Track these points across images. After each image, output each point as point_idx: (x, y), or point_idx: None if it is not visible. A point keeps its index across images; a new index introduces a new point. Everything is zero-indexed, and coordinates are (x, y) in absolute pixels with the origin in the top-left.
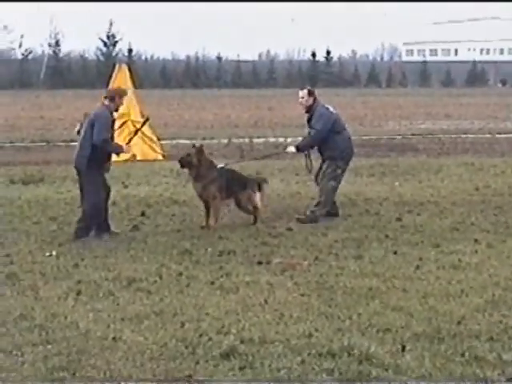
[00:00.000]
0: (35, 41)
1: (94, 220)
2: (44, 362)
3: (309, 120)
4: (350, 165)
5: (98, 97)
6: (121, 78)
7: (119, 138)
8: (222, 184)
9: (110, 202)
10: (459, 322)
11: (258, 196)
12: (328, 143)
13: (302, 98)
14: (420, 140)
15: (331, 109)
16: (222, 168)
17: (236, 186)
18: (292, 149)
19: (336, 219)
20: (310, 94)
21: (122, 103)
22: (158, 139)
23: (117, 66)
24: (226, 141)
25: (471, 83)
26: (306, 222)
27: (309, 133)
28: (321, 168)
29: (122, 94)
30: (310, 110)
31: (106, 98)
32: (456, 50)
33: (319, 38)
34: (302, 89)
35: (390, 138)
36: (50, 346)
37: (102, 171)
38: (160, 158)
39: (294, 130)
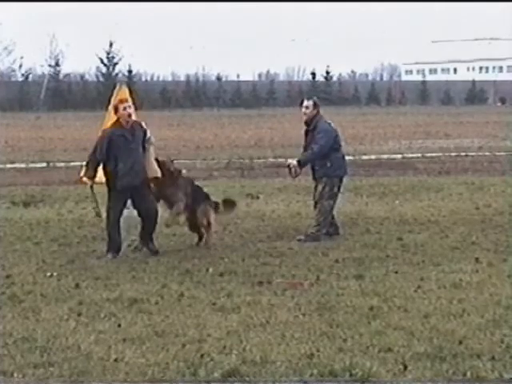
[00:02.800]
0: (35, 61)
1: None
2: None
3: (306, 132)
4: (349, 184)
5: (98, 118)
6: (121, 96)
7: None
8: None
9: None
10: (461, 342)
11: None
12: (324, 160)
13: (307, 108)
14: (420, 159)
15: (332, 124)
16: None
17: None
18: (294, 163)
19: (337, 238)
20: (315, 105)
21: (122, 114)
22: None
23: (117, 86)
24: (226, 161)
25: (470, 102)
26: (308, 242)
27: (311, 148)
28: (316, 188)
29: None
30: (311, 122)
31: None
32: (455, 69)
33: (318, 57)
34: (308, 99)
35: (390, 158)
36: (51, 368)
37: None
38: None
39: (294, 149)
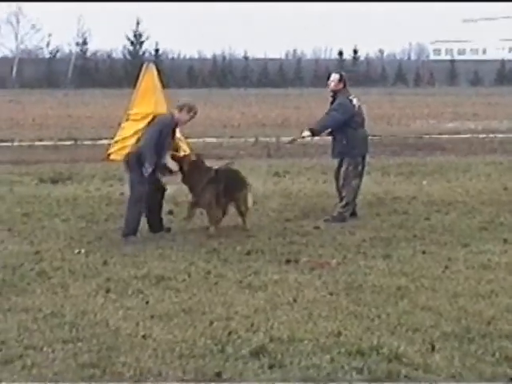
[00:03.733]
0: (63, 40)
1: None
2: (74, 358)
3: (331, 104)
4: (377, 164)
5: (125, 96)
6: (148, 78)
7: None
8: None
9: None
10: (489, 322)
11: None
12: (340, 136)
13: (332, 81)
14: (448, 139)
15: (355, 101)
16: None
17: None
18: (307, 133)
19: (364, 218)
20: (341, 79)
21: (187, 118)
22: (185, 138)
23: (144, 66)
24: (253, 140)
25: (500, 82)
26: (335, 222)
27: (326, 113)
28: (339, 168)
29: (192, 108)
30: (335, 95)
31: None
32: (484, 50)
33: (346, 37)
34: (336, 72)
35: (417, 137)
36: (80, 343)
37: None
38: None
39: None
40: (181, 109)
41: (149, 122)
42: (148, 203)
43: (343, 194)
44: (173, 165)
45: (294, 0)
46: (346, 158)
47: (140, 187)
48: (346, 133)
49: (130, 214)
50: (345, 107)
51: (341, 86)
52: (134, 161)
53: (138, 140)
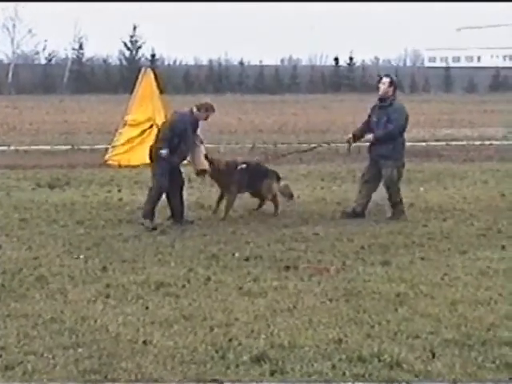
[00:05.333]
0: (59, 45)
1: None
2: (75, 364)
3: (373, 108)
4: None
5: (121, 101)
6: (146, 83)
7: (145, 142)
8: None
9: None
10: (489, 329)
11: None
12: (390, 141)
13: (383, 84)
14: (444, 146)
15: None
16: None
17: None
18: (371, 137)
19: (362, 224)
20: (392, 83)
21: (204, 116)
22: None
23: (142, 71)
24: (250, 146)
25: (494, 90)
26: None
27: (388, 126)
28: (372, 169)
29: (209, 108)
30: (385, 98)
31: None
32: (479, 57)
33: (341, 43)
34: (386, 76)
35: (413, 144)
36: (80, 349)
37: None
38: (185, 162)
39: (317, 135)
40: (198, 108)
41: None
42: (170, 193)
43: (390, 194)
44: (204, 164)
45: (291, 0)
46: (388, 161)
47: (161, 178)
48: (395, 138)
49: (149, 201)
50: (403, 114)
51: (391, 89)
52: (155, 153)
53: (158, 133)
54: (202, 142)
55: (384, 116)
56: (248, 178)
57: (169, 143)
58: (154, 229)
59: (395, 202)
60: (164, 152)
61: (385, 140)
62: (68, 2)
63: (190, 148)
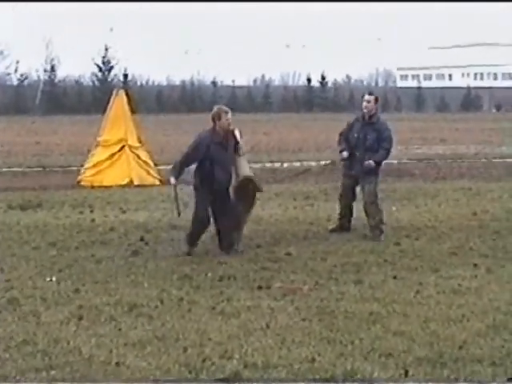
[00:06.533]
0: (31, 66)
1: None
2: None
3: (352, 126)
4: None
5: (93, 122)
6: (118, 104)
7: (117, 163)
8: None
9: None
10: (461, 347)
11: None
12: (371, 156)
13: (368, 102)
14: (416, 165)
15: None
16: None
17: None
18: (370, 163)
19: (335, 243)
20: (377, 100)
21: (223, 123)
22: (155, 164)
23: (114, 92)
24: None
25: (466, 108)
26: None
27: (383, 146)
28: (354, 186)
29: (219, 113)
30: (371, 116)
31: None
32: (450, 76)
33: (314, 62)
34: (369, 93)
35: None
36: (53, 372)
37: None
38: (157, 183)
39: (290, 155)
40: (213, 118)
41: None
42: (217, 223)
43: (373, 210)
44: (247, 172)
45: (269, 3)
46: (372, 176)
47: (200, 206)
48: (377, 152)
49: (191, 230)
50: (391, 131)
51: (376, 106)
52: (198, 182)
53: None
54: (243, 154)
55: (373, 133)
56: None
57: (177, 171)
58: (189, 254)
59: (377, 221)
60: (172, 181)
61: (383, 160)
62: (39, 19)
63: (228, 167)
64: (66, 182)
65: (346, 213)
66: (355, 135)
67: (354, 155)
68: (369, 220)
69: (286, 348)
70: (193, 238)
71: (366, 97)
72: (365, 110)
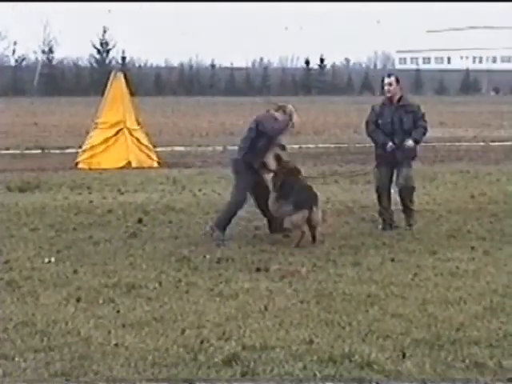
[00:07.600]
0: (29, 48)
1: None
2: (46, 367)
3: (381, 109)
4: (345, 172)
5: (91, 104)
6: (116, 86)
7: (115, 145)
8: None
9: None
10: (458, 329)
11: None
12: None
13: (390, 84)
14: None
15: None
16: None
17: None
18: (411, 143)
19: (332, 226)
20: (398, 81)
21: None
22: (154, 146)
23: (112, 74)
24: (221, 148)
25: (464, 91)
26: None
27: (420, 126)
28: (391, 175)
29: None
30: (395, 98)
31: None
32: (449, 59)
33: (312, 45)
34: (388, 75)
35: None
36: (52, 352)
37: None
38: (155, 165)
39: (287, 137)
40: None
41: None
42: (262, 206)
43: (412, 196)
44: (272, 163)
45: (263, 0)
46: (410, 159)
47: (242, 192)
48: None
49: (225, 213)
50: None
51: (399, 87)
52: (243, 166)
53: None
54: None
55: (407, 115)
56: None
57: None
58: (222, 241)
59: (412, 207)
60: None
61: (422, 139)
62: (38, 2)
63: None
64: (64, 164)
65: (388, 205)
66: (388, 120)
67: (392, 142)
68: (406, 204)
69: (283, 330)
70: (227, 223)
71: (387, 79)
72: (388, 94)
